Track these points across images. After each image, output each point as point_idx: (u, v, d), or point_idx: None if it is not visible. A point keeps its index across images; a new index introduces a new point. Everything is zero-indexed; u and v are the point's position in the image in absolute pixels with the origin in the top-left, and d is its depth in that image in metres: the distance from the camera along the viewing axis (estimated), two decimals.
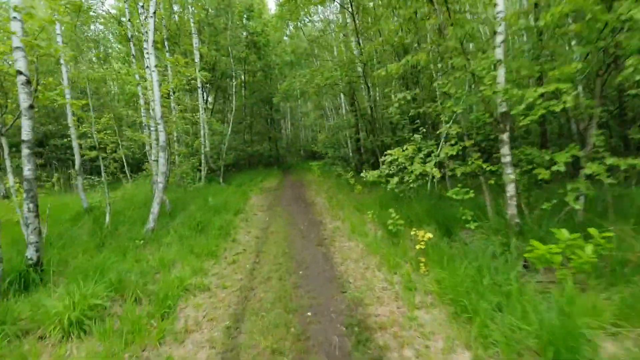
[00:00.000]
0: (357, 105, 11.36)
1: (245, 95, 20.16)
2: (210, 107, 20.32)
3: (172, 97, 13.22)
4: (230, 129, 15.02)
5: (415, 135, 4.97)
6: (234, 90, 15.38)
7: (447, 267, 3.47)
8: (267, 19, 19.08)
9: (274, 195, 11.38)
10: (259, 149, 18.14)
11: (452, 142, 3.84)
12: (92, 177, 9.84)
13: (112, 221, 6.86)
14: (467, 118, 4.63)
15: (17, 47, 3.75)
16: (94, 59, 18.98)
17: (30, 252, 3.99)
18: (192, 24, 13.82)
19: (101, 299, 3.20)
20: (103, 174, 7.00)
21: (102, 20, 16.14)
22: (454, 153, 3.74)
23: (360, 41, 8.42)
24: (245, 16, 17.75)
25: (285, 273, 4.37)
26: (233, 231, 6.76)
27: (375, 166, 10.36)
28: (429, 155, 4.76)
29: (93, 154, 8.18)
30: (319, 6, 16.25)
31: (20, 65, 3.82)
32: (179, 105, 14.10)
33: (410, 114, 6.87)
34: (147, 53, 6.32)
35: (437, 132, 5.39)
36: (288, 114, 30.29)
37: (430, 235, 3.60)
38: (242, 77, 19.11)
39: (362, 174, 7.89)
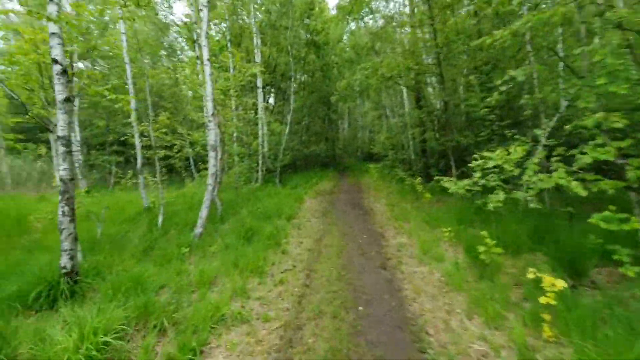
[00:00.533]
0: (424, 101, 9.98)
1: (304, 96, 19.70)
2: (271, 108, 20.36)
3: (232, 97, 13.19)
4: (288, 130, 14.57)
5: (536, 131, 3.58)
6: (292, 90, 14.91)
7: (592, 335, 2.20)
8: (327, 16, 18.36)
9: (329, 199, 10.52)
10: (315, 149, 17.52)
11: (599, 141, 2.52)
12: (154, 177, 9.91)
13: (165, 223, 6.59)
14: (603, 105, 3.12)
15: (54, 34, 3.36)
16: (167, 65, 20.08)
17: (64, 260, 3.60)
18: (253, 26, 13.62)
19: (115, 333, 2.57)
20: (157, 173, 6.76)
21: (174, 27, 16.93)
22: (608, 158, 2.42)
23: (435, 25, 7.14)
24: (306, 15, 17.23)
25: (340, 307, 3.41)
26: (284, 240, 6.02)
27: (444, 171, 8.92)
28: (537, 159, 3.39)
29: (150, 152, 8.19)
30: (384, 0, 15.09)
31: (56, 53, 3.43)
32: (238, 105, 14.04)
33: (491, 106, 5.41)
34: (201, 45, 5.85)
35: (543, 129, 3.96)
36: (346, 115, 29.38)
37: (563, 284, 2.34)
38: (301, 77, 18.66)
39: (438, 181, 6.65)
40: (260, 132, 12.97)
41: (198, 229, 5.50)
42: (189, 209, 7.79)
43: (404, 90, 13.58)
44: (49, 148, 17.49)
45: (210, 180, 5.62)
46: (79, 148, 15.34)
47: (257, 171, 13.02)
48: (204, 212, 5.51)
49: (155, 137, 6.83)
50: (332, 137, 24.25)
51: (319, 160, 21.18)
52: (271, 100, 21.76)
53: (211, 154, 5.62)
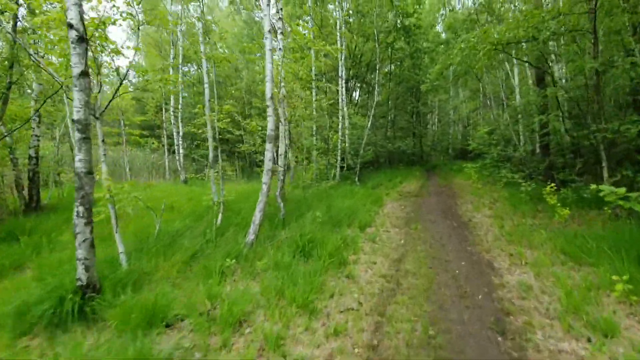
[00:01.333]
0: (549, 79, 7.28)
1: (390, 87, 17.78)
2: (355, 101, 19.04)
3: (311, 86, 12.28)
4: (370, 123, 13.03)
5: None
6: (377, 79, 13.27)
7: None
8: None
9: (414, 203, 8.68)
10: (400, 145, 15.53)
11: None
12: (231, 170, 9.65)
13: (225, 222, 5.89)
14: None
15: None
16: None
17: (79, 272, 2.92)
18: (336, 11, 12.40)
19: None
20: (219, 167, 6.10)
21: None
22: None
23: None
24: None
25: None
26: (352, 257, 4.65)
27: (582, 174, 6.24)
28: None
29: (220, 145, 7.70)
30: None
31: (72, 16, 2.71)
32: (319, 97, 13.08)
33: None
34: (264, 15, 4.83)
35: None
36: (436, 108, 26.12)
37: None
38: (389, 66, 16.78)
39: (577, 189, 4.42)
40: (340, 125, 11.74)
41: (250, 236, 4.53)
42: (252, 207, 7.03)
43: (516, 70, 10.63)
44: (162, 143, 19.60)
45: (265, 178, 4.58)
46: (180, 142, 16.66)
47: (337, 167, 11.87)
48: (257, 217, 4.51)
49: (220, 128, 6.17)
50: (420, 133, 21.65)
51: (404, 158, 19.01)
52: (355, 94, 20.45)
53: (267, 146, 4.58)
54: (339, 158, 11.72)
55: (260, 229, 4.57)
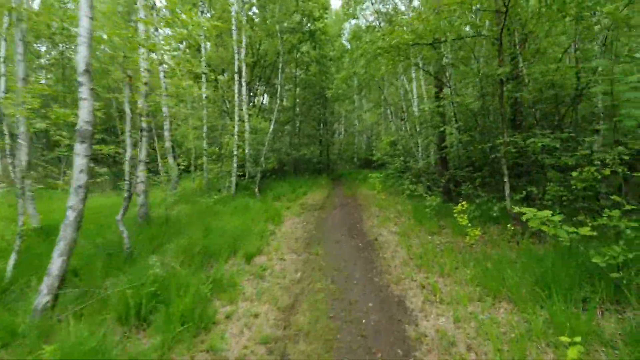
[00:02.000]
0: (449, 89, 7.27)
1: (296, 92, 16.99)
2: (260, 105, 17.60)
3: (203, 82, 10.34)
4: (272, 127, 11.77)
5: None
6: (280, 79, 12.15)
7: None
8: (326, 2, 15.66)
9: (318, 217, 7.70)
10: (305, 152, 14.74)
11: None
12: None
13: (24, 266, 3.73)
14: None
15: None
16: None
17: None
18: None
19: None
20: (19, 174, 3.95)
21: None
22: None
23: None
24: None
25: None
26: (223, 311, 3.22)
27: (481, 187, 6.16)
28: None
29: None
30: None
31: None
32: (211, 92, 11.23)
33: None
34: None
35: None
36: (343, 118, 26.71)
37: None
38: (295, 71, 15.94)
39: (481, 204, 3.97)
40: (235, 129, 10.14)
41: (42, 298, 2.66)
42: (92, 234, 4.92)
43: (415, 84, 10.91)
44: None
45: (72, 201, 2.77)
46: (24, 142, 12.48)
47: (231, 176, 10.18)
48: (55, 265, 2.69)
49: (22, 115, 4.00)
50: (327, 141, 21.52)
51: (311, 166, 18.40)
52: (264, 100, 19.07)
53: (78, 147, 2.79)
54: (234, 166, 10.08)
55: (61, 282, 2.72)
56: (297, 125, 17.69)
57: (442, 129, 5.68)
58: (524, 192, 4.47)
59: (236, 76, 10.16)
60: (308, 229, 6.57)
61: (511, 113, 5.90)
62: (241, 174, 11.77)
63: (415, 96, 11.13)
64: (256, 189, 10.80)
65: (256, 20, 14.16)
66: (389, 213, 7.53)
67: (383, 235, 5.96)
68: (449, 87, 7.04)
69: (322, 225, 6.97)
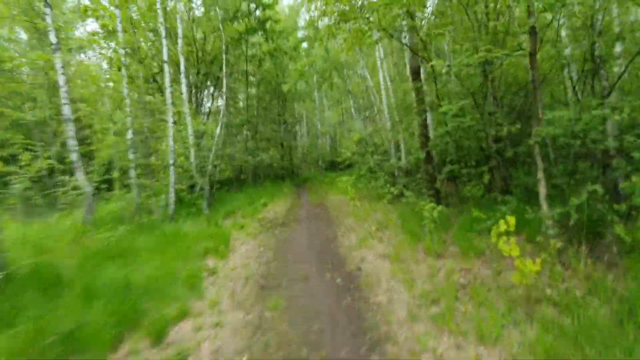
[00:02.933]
0: (428, 71, 5.88)
1: (249, 92, 15.02)
2: (214, 109, 15.38)
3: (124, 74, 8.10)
4: (219, 129, 9.76)
5: None
6: (224, 71, 10.16)
7: None
8: None
9: (278, 240, 5.90)
10: (264, 157, 12.82)
11: None
12: None
13: None
14: None
15: None
16: None
17: None
18: None
19: None
20: None
21: None
22: None
23: None
24: None
25: None
26: None
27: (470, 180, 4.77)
28: None
29: None
30: None
31: None
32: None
33: None
34: None
35: None
36: (304, 118, 25.09)
37: None
38: (246, 66, 13.97)
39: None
40: (170, 133, 8.04)
41: None
42: None
43: (381, 73, 9.51)
44: None
45: None
46: None
47: (169, 192, 8.05)
48: None
49: None
50: (288, 144, 19.72)
51: (272, 172, 16.50)
52: (220, 103, 16.80)
53: None
54: (172, 180, 7.97)
55: None
56: (254, 127, 15.70)
57: (442, 109, 4.20)
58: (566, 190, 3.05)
59: (165, 66, 8.06)
60: (265, 260, 4.75)
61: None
62: (189, 186, 9.66)
63: (384, 85, 9.74)
64: (204, 205, 8.75)
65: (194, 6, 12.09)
66: (369, 225, 5.93)
67: (368, 261, 4.32)
68: (429, 63, 5.62)
69: (284, 250, 5.19)
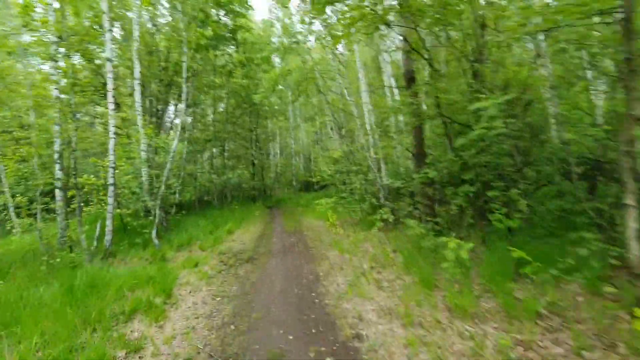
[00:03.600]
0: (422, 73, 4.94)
1: (216, 108, 13.67)
2: (183, 123, 13.71)
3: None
4: (176, 143, 8.25)
5: None
6: (184, 77, 8.76)
7: None
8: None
9: (243, 284, 4.45)
10: (230, 176, 11.31)
11: None
12: None
13: None
14: None
15: None
16: None
17: None
18: None
19: None
20: None
21: None
22: None
23: None
24: None
25: None
26: None
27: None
28: None
29: None
30: None
31: None
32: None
33: None
34: None
35: None
36: (277, 136, 23.90)
37: None
38: (213, 75, 12.68)
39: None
40: (111, 145, 6.47)
41: None
42: None
43: (362, 81, 8.59)
44: None
45: None
46: None
47: (107, 218, 6.35)
48: None
49: None
50: (261, 163, 18.31)
51: (242, 193, 14.94)
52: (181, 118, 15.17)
53: None
54: (111, 203, 6.33)
55: None
56: (221, 144, 14.20)
57: (480, 104, 3.11)
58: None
59: (108, 65, 6.57)
60: (220, 322, 3.29)
61: None
62: (147, 210, 7.97)
63: (365, 96, 8.80)
64: (153, 234, 7.09)
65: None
66: (360, 261, 4.67)
67: (368, 321, 3.03)
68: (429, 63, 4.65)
69: (249, 303, 3.76)
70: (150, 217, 7.60)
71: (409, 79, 5.54)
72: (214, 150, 13.33)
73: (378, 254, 4.78)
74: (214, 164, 12.15)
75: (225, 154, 13.23)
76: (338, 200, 7.39)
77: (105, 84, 8.28)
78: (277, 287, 4.19)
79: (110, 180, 6.47)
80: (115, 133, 6.72)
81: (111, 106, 6.73)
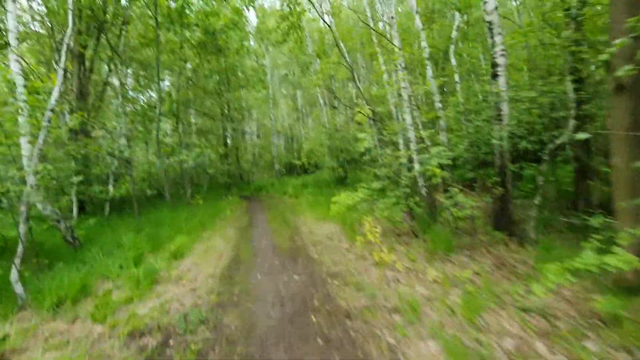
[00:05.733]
0: None
1: (171, 58, 9.66)
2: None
3: None
4: (57, 93, 4.47)
5: None
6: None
7: None
8: None
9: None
10: (185, 158, 7.52)
11: None
12: None
13: None
14: None
15: None
16: None
17: None
18: None
19: None
20: None
21: None
22: None
23: None
24: None
25: None
26: None
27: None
28: None
29: None
30: None
31: None
32: None
33: None
34: None
35: None
36: (255, 113, 19.92)
37: None
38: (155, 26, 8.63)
39: None
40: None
41: None
42: None
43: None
44: None
45: None
46: None
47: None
48: None
49: None
50: (235, 144, 14.49)
51: (209, 181, 11.21)
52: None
53: None
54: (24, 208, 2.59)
55: None
56: (180, 118, 10.25)
57: None
58: None
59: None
60: None
61: None
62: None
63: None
64: (14, 276, 3.40)
65: None
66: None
67: None
68: None
69: None
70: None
71: None
72: (167, 125, 9.41)
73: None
74: (160, 143, 8.18)
75: (180, 127, 9.31)
76: (372, 195, 3.95)
77: None
78: None
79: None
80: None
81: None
